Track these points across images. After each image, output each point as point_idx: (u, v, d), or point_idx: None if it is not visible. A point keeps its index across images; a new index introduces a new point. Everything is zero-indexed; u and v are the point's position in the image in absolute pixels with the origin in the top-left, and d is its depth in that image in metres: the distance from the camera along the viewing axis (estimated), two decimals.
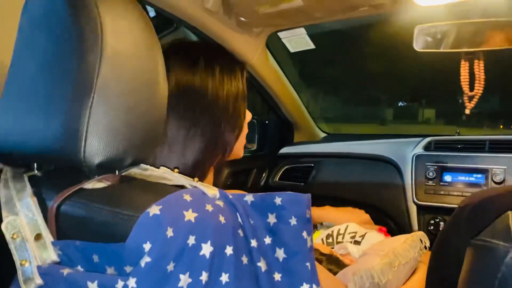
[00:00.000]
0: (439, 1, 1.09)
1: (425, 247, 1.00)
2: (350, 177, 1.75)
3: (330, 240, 1.18)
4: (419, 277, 0.93)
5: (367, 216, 1.37)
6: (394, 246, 0.94)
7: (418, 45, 1.20)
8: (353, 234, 1.15)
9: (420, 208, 1.50)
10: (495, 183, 1.40)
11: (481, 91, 1.11)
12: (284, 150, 1.97)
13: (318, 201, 1.55)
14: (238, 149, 0.91)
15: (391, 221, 1.57)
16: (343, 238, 1.15)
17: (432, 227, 1.46)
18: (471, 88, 1.13)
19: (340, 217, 1.31)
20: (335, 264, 0.98)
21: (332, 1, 1.13)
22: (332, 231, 1.18)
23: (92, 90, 0.56)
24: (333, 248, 1.11)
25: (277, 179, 1.92)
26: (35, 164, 0.66)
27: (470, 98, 1.13)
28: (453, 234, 0.62)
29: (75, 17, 0.57)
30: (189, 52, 0.83)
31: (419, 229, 1.48)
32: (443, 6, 1.15)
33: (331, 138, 2.14)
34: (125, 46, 0.59)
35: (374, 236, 1.14)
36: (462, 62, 1.13)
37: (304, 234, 0.60)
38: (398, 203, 1.55)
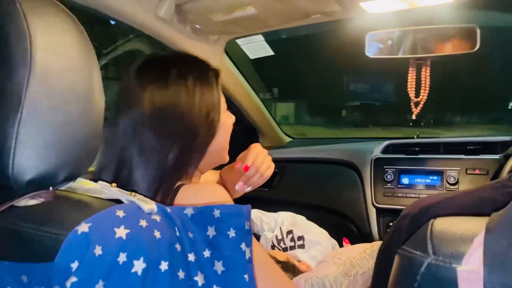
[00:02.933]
0: (387, 9, 1.11)
1: None
2: (313, 182, 1.76)
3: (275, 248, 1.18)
4: None
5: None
6: (352, 255, 0.95)
7: (370, 52, 1.23)
8: (291, 236, 1.16)
9: (379, 210, 1.52)
10: (450, 184, 1.44)
11: (425, 97, 1.14)
12: None
13: (281, 206, 1.56)
14: (221, 154, 0.92)
15: (352, 225, 1.59)
16: (284, 243, 1.16)
17: None
18: (417, 94, 1.16)
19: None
20: (291, 271, 0.98)
21: (285, 8, 1.14)
22: (272, 239, 1.19)
23: (20, 105, 0.54)
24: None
25: None
26: None
27: (416, 104, 1.16)
28: (395, 241, 0.63)
29: (2, 30, 0.56)
30: (162, 67, 0.83)
31: (379, 232, 1.51)
32: (392, 14, 1.18)
33: (296, 142, 2.15)
34: (57, 61, 0.58)
35: (314, 235, 1.15)
36: (410, 69, 1.16)
37: (243, 246, 0.60)
38: (358, 206, 1.58)
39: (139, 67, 0.84)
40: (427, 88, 1.14)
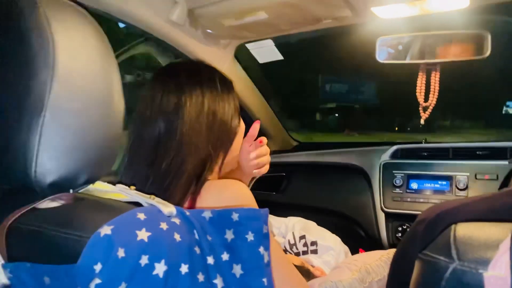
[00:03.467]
0: (399, 14, 1.12)
1: None
2: (321, 186, 1.76)
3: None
4: None
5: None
6: (368, 262, 0.95)
7: (380, 57, 1.23)
8: (304, 241, 1.16)
9: (388, 215, 1.52)
10: (459, 189, 1.43)
11: (434, 102, 1.14)
12: None
13: (289, 210, 1.56)
14: (237, 157, 0.96)
15: (361, 229, 1.59)
16: (297, 248, 1.16)
17: (400, 234, 1.48)
18: (426, 99, 1.16)
19: None
20: (305, 276, 0.98)
21: (296, 14, 1.15)
22: (284, 244, 1.19)
23: (43, 108, 0.55)
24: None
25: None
26: None
27: (425, 109, 1.16)
28: (410, 247, 0.63)
29: (26, 34, 0.56)
30: (191, 74, 0.86)
31: (387, 236, 1.51)
32: (404, 19, 1.18)
33: (302, 146, 2.16)
34: (79, 64, 0.59)
35: (327, 240, 1.15)
36: (420, 74, 1.17)
37: (261, 249, 0.60)
38: (367, 211, 1.58)
39: (170, 75, 0.86)
40: (436, 93, 1.14)
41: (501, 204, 0.57)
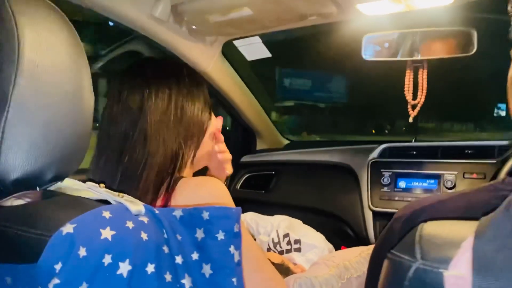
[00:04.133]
0: (384, 11, 1.11)
1: None
2: (310, 185, 1.75)
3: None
4: None
5: None
6: (347, 258, 0.94)
7: (366, 54, 1.22)
8: (287, 240, 1.15)
9: (375, 214, 1.51)
10: (447, 188, 1.43)
11: (423, 100, 1.13)
12: (245, 158, 1.97)
13: (278, 209, 1.55)
14: (208, 156, 0.94)
15: (348, 228, 1.58)
16: (281, 246, 1.15)
17: None
18: (414, 97, 1.15)
19: None
20: (284, 273, 0.97)
21: (281, 10, 1.14)
22: (268, 242, 1.18)
23: (6, 103, 0.53)
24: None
25: (238, 187, 1.91)
26: None
27: (413, 107, 1.15)
28: (386, 246, 0.62)
29: None
30: (158, 70, 0.86)
31: (375, 235, 1.50)
32: (389, 16, 1.17)
33: (293, 145, 2.15)
34: (46, 59, 0.57)
35: (310, 238, 1.14)
36: (407, 71, 1.16)
37: (232, 248, 0.59)
38: (355, 210, 1.57)
39: (137, 71, 0.86)
40: (424, 91, 1.14)
41: (473, 201, 0.56)
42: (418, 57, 1.19)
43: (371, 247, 1.02)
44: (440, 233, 0.41)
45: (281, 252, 1.16)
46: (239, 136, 2.02)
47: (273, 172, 1.88)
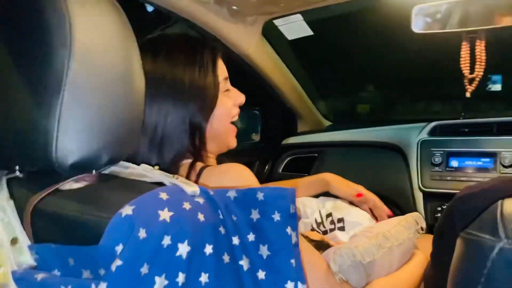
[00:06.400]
0: None
1: (422, 228, 0.97)
2: (354, 166, 1.71)
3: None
4: (416, 262, 0.90)
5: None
6: (386, 228, 0.91)
7: (416, 27, 1.15)
8: (330, 219, 1.12)
9: (426, 195, 1.45)
10: (504, 166, 1.35)
11: (481, 73, 1.06)
12: (287, 141, 1.94)
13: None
14: (225, 137, 0.91)
15: (398, 209, 1.53)
16: (324, 226, 1.13)
17: (439, 214, 1.42)
18: (472, 70, 1.08)
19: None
20: (324, 248, 0.95)
21: None
22: (311, 223, 1.16)
23: (61, 87, 0.54)
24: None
25: (280, 171, 1.89)
26: (17, 166, 0.64)
27: (471, 81, 1.08)
28: (448, 227, 0.58)
29: (42, 13, 0.55)
30: (154, 45, 0.85)
31: (426, 217, 1.44)
32: None
33: (335, 126, 2.10)
34: (96, 41, 0.57)
35: (354, 216, 1.11)
36: (464, 43, 1.08)
37: (288, 229, 0.58)
38: (404, 190, 1.51)
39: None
40: (483, 64, 1.06)
41: None
42: (473, 27, 1.11)
43: (408, 216, 0.98)
44: None
45: (324, 232, 1.14)
46: (280, 118, 1.99)
47: (316, 154, 1.84)
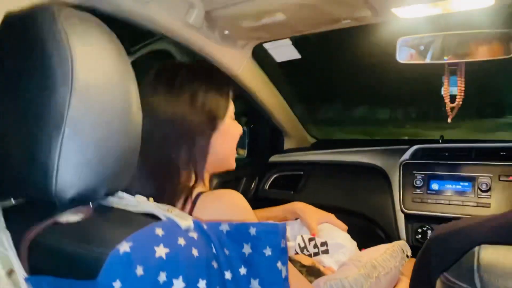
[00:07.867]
0: (418, 14, 1.09)
1: (407, 256, 1.01)
2: (339, 185, 1.75)
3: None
4: None
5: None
6: (374, 257, 0.94)
7: (401, 57, 1.20)
8: (313, 243, 1.15)
9: (407, 216, 1.50)
10: (481, 191, 1.40)
11: (461, 102, 1.12)
12: (274, 158, 1.97)
13: None
14: (227, 160, 0.96)
15: (380, 230, 1.57)
16: (308, 250, 1.16)
17: (420, 236, 1.46)
18: (452, 100, 1.14)
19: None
20: (315, 275, 0.98)
21: (314, 14, 1.13)
22: (294, 248, 1.19)
23: (63, 123, 0.55)
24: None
25: (266, 188, 1.92)
26: (11, 197, 0.66)
27: (452, 109, 1.14)
28: (424, 269, 0.61)
29: (45, 49, 0.57)
30: (170, 78, 0.88)
31: (407, 238, 1.48)
32: (425, 18, 1.15)
33: (320, 143, 2.14)
34: (96, 78, 0.59)
35: (336, 238, 1.14)
36: (445, 76, 1.14)
37: (279, 264, 0.60)
38: (386, 211, 1.56)
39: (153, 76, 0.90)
40: (463, 94, 1.12)
41: None
42: (454, 60, 1.17)
43: (395, 244, 1.02)
44: (500, 262, 0.41)
45: (309, 256, 1.17)
46: (268, 136, 2.03)
47: (302, 172, 1.88)
